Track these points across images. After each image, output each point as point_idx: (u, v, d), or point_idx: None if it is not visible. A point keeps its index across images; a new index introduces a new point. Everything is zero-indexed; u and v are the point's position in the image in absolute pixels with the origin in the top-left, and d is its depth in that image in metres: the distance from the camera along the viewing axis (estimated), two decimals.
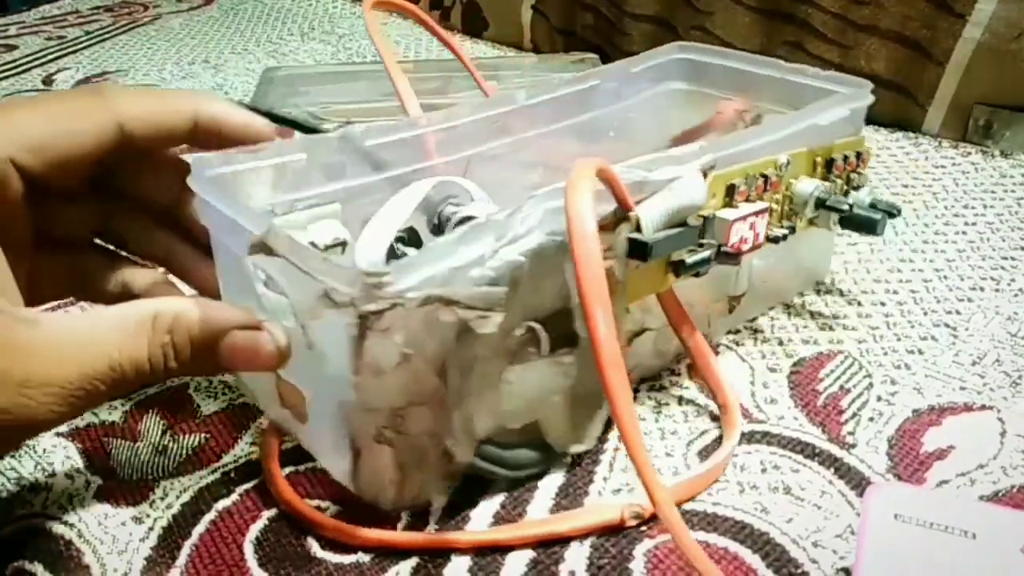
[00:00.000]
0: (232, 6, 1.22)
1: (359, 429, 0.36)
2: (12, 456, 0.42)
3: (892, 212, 0.49)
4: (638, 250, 0.37)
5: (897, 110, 0.80)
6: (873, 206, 0.49)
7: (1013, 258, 0.58)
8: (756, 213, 0.42)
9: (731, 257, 0.41)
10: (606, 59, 0.99)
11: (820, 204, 0.46)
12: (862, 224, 0.47)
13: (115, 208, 0.42)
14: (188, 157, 0.39)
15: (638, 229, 0.38)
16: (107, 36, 1.10)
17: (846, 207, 0.46)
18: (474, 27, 1.15)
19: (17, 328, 0.30)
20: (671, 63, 0.57)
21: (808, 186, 0.46)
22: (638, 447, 0.31)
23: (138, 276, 0.42)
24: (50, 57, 1.02)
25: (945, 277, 0.56)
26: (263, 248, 0.34)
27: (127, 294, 0.41)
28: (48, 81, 0.95)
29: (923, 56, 0.77)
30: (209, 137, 0.40)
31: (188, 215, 0.41)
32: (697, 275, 0.41)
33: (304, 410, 0.38)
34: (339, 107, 0.82)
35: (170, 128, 0.39)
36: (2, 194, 0.35)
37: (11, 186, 0.36)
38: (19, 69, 0.99)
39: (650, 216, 0.38)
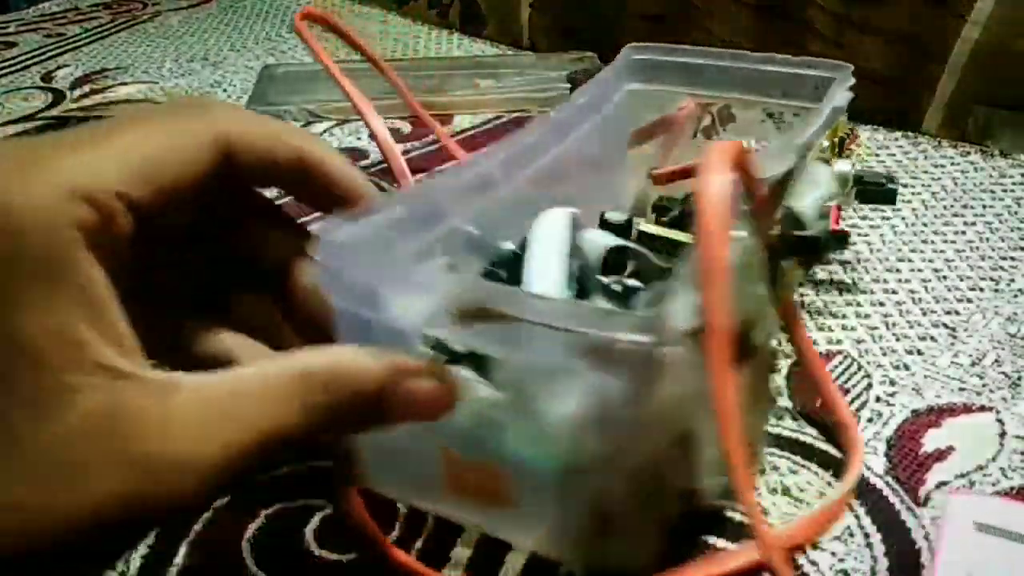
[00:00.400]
0: (231, 3, 1.22)
1: (609, 493, 0.32)
2: None
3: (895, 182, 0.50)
4: (807, 247, 0.35)
5: (896, 109, 0.80)
6: (889, 179, 0.49)
7: (1012, 258, 0.58)
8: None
9: (840, 243, 0.40)
10: (604, 58, 0.99)
11: (858, 181, 0.46)
12: (883, 196, 0.47)
13: (212, 261, 0.34)
14: (315, 227, 0.33)
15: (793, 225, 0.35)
16: (106, 33, 1.10)
17: (883, 180, 0.46)
18: (472, 25, 1.15)
19: (149, 399, 0.25)
20: (626, 67, 0.54)
21: (845, 165, 0.46)
22: (748, 489, 0.29)
23: (243, 346, 0.33)
24: (49, 54, 1.02)
25: (944, 277, 0.56)
26: (472, 314, 0.29)
27: (227, 364, 0.30)
28: (47, 78, 0.95)
29: (922, 55, 0.77)
30: (311, 183, 0.33)
31: (297, 287, 0.34)
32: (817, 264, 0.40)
33: (503, 492, 0.33)
34: (337, 105, 0.82)
35: (275, 159, 0.32)
36: (108, 236, 0.27)
37: (119, 225, 0.27)
38: (19, 66, 0.98)
39: (807, 209, 0.36)
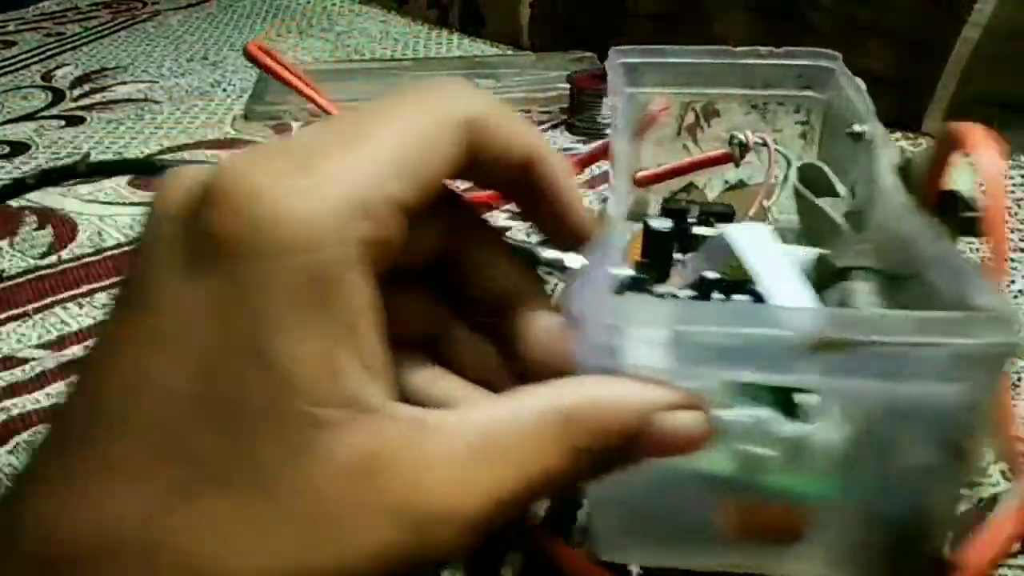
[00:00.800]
0: (230, 3, 1.22)
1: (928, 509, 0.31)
2: (10, 452, 0.41)
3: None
4: (973, 228, 0.34)
5: (897, 110, 0.80)
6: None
7: (1013, 259, 0.58)
8: None
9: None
10: (604, 58, 0.99)
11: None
12: None
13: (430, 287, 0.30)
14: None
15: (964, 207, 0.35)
16: (106, 32, 1.10)
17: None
18: (472, 25, 1.15)
19: (405, 439, 0.23)
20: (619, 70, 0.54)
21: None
22: None
23: (458, 388, 0.30)
24: (49, 53, 1.02)
25: None
26: (832, 346, 0.26)
27: (442, 406, 0.26)
28: (47, 77, 0.95)
29: (923, 56, 0.77)
30: (533, 193, 0.29)
31: (531, 333, 0.29)
32: None
33: (794, 527, 0.31)
34: (337, 103, 0.82)
35: (509, 155, 0.27)
36: (385, 249, 0.24)
37: (395, 236, 0.24)
38: (18, 65, 0.99)
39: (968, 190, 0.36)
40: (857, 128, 0.45)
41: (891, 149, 0.40)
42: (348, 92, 0.79)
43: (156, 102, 0.89)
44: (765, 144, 0.48)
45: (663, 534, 0.34)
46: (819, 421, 0.29)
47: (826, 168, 0.45)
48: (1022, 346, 0.25)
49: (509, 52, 1.08)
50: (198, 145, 0.79)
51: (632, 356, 0.27)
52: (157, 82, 0.94)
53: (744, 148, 0.48)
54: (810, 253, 0.38)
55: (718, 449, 0.28)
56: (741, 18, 0.89)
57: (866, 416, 0.29)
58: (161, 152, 0.78)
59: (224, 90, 0.91)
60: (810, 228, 0.36)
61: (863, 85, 0.48)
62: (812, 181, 0.44)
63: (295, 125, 0.81)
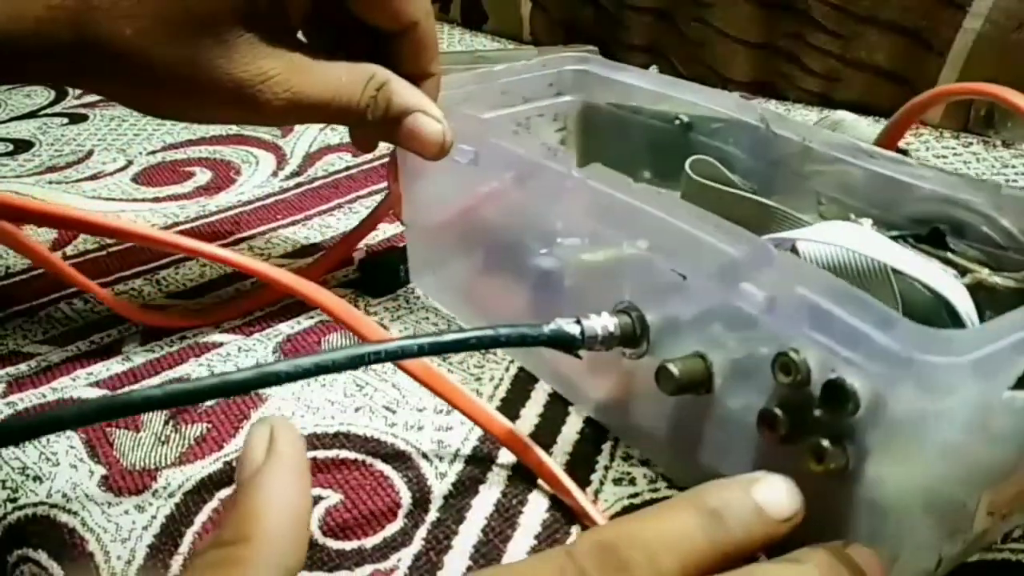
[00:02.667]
0: None
1: None
2: (16, 446, 0.42)
3: None
4: None
5: (898, 101, 0.80)
6: None
7: None
8: None
9: None
10: (605, 52, 0.99)
11: None
12: None
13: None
14: None
15: None
16: None
17: None
18: (473, 19, 1.15)
19: (295, 55, 0.42)
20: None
21: None
22: None
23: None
24: None
25: None
26: None
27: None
28: None
29: (924, 47, 0.77)
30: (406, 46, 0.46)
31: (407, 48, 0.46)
32: None
33: None
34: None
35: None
36: None
37: None
38: None
39: None
40: (680, 120, 0.52)
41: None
42: None
43: None
44: None
45: None
46: None
47: (714, 162, 0.48)
48: None
49: (510, 46, 1.08)
50: (201, 142, 0.80)
51: None
52: None
53: None
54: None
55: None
56: (741, 11, 0.89)
57: None
58: (164, 149, 0.78)
59: None
60: (726, 214, 0.37)
61: (632, 70, 0.52)
62: (709, 176, 0.48)
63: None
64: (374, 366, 0.45)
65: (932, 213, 0.42)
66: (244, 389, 0.32)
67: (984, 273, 0.39)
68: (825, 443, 0.30)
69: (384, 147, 0.52)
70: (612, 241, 0.39)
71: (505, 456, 0.40)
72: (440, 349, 0.34)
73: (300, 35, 0.46)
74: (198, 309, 0.53)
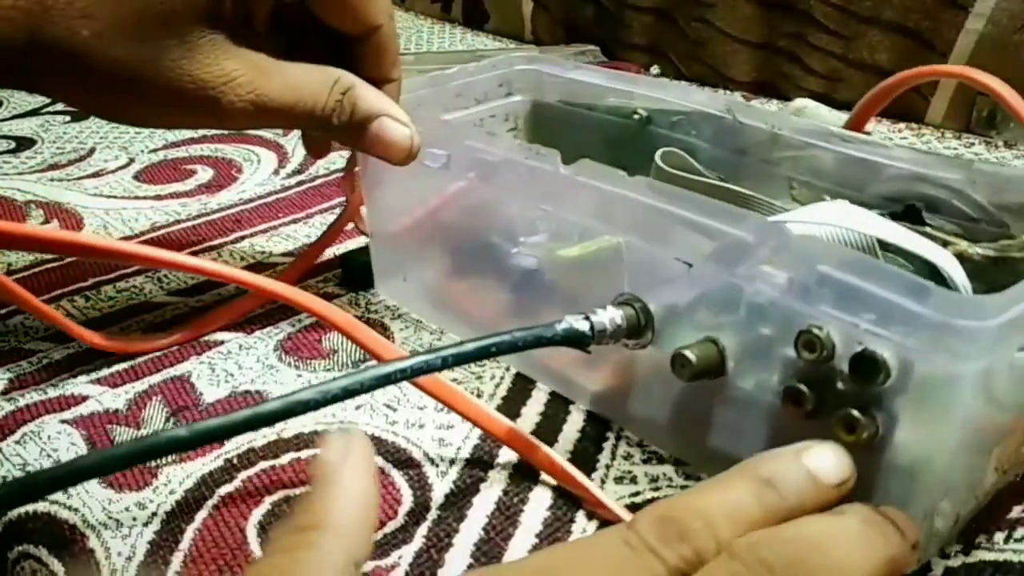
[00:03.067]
0: None
1: None
2: (17, 443, 0.42)
3: None
4: None
5: (900, 101, 0.80)
6: None
7: None
8: None
9: None
10: (607, 51, 0.99)
11: None
12: None
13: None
14: None
15: None
16: None
17: None
18: (475, 19, 1.15)
19: (259, 56, 0.41)
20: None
21: None
22: None
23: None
24: None
25: None
26: None
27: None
28: None
29: (926, 47, 0.77)
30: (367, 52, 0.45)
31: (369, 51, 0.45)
32: None
33: None
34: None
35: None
36: None
37: None
38: None
39: None
40: (639, 114, 0.53)
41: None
42: None
43: None
44: None
45: None
46: None
47: (683, 153, 0.49)
48: None
49: (512, 46, 1.08)
50: (202, 140, 0.80)
51: None
52: None
53: None
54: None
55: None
56: (742, 11, 0.89)
57: None
58: (166, 147, 0.78)
59: None
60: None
61: (583, 67, 0.53)
62: (678, 167, 0.49)
63: None
64: (372, 363, 0.45)
65: (904, 191, 0.43)
66: (272, 421, 0.32)
67: (963, 245, 0.40)
68: (856, 414, 0.31)
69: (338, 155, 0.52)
70: (609, 234, 0.39)
71: (507, 454, 0.40)
72: (463, 360, 0.34)
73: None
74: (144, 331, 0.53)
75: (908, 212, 0.43)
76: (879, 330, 0.30)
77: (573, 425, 0.43)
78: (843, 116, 0.79)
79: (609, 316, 0.37)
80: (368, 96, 0.44)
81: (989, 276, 0.37)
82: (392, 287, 0.54)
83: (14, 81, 0.41)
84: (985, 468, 0.34)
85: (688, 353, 0.35)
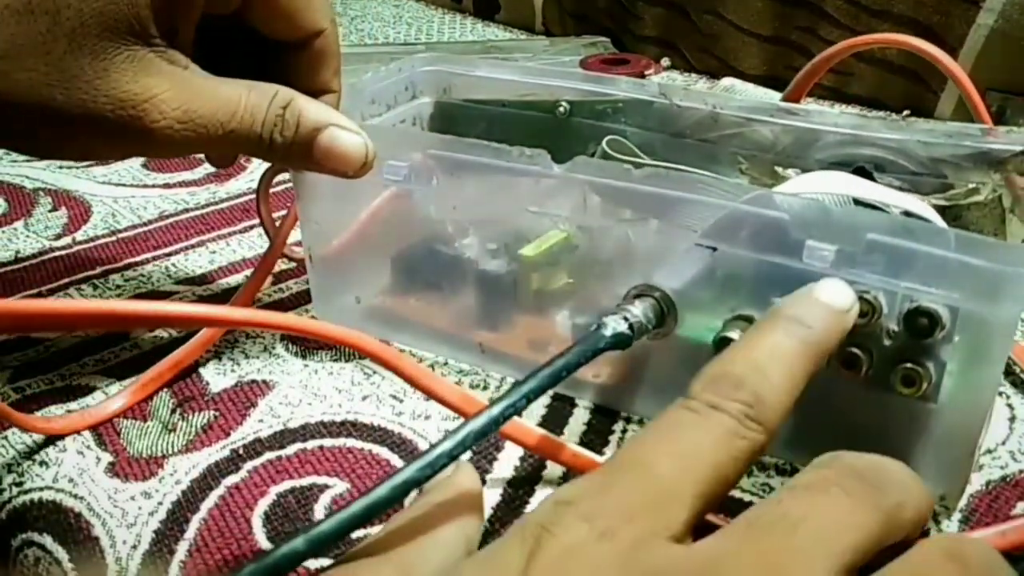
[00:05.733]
0: None
1: None
2: (23, 430, 0.42)
3: None
4: None
5: (909, 96, 0.80)
6: None
7: None
8: None
9: None
10: (617, 43, 0.99)
11: None
12: None
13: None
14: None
15: None
16: None
17: None
18: (486, 9, 1.15)
19: (186, 72, 0.38)
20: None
21: None
22: None
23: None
24: None
25: None
26: None
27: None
28: None
29: (936, 42, 0.76)
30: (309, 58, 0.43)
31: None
32: None
33: None
34: None
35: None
36: None
37: None
38: None
39: None
40: (563, 107, 0.53)
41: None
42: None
43: None
44: None
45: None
46: None
47: (625, 140, 0.51)
48: None
49: (523, 37, 1.08)
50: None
51: None
52: None
53: None
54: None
55: None
56: (754, 4, 0.88)
57: None
58: None
59: None
60: None
61: (489, 63, 0.54)
62: (619, 152, 0.50)
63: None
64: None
65: (848, 155, 0.46)
66: (388, 505, 0.28)
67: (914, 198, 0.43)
68: (914, 367, 0.34)
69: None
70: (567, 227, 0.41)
71: (511, 446, 0.40)
72: (540, 392, 0.33)
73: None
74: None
75: (859, 173, 0.45)
76: (923, 287, 0.33)
77: (578, 420, 0.43)
78: (770, 93, 0.79)
79: (640, 311, 0.37)
80: (311, 107, 0.41)
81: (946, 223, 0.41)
82: (336, 309, 0.50)
83: None
84: None
85: (733, 335, 0.36)
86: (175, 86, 0.37)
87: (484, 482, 0.39)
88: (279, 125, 0.40)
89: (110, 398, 0.44)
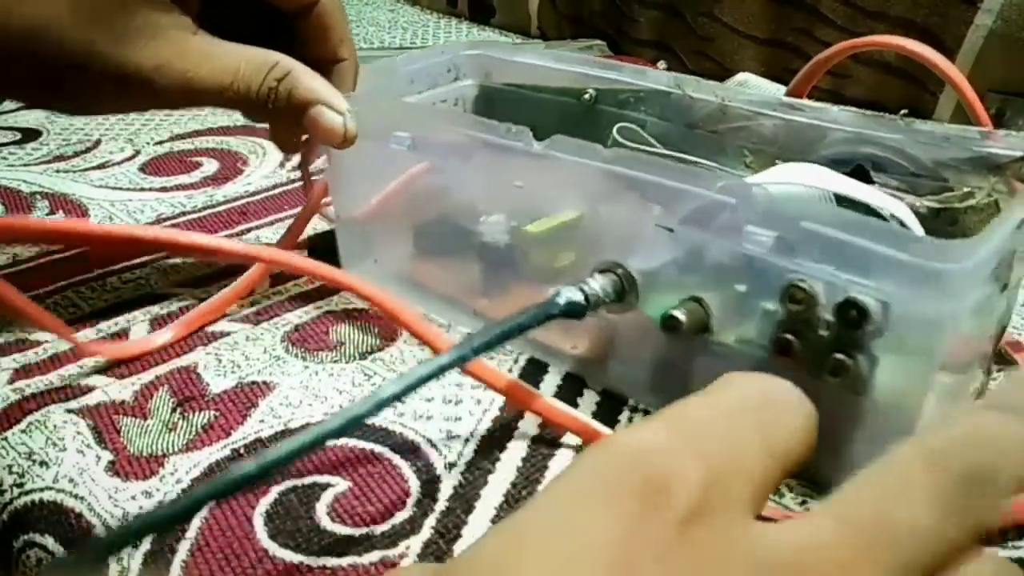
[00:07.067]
0: None
1: None
2: (23, 431, 0.42)
3: None
4: None
5: (908, 98, 0.80)
6: None
7: None
8: None
9: None
10: (613, 46, 0.99)
11: None
12: None
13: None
14: None
15: None
16: None
17: None
18: (481, 13, 1.15)
19: (194, 38, 0.42)
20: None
21: None
22: None
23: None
24: None
25: None
26: None
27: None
28: None
29: (934, 44, 0.77)
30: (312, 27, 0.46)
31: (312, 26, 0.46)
32: None
33: None
34: None
35: None
36: None
37: None
38: None
39: None
40: (589, 94, 0.55)
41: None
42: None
43: None
44: None
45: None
46: None
47: (638, 128, 0.53)
48: None
49: (518, 41, 1.08)
50: (208, 132, 0.79)
51: None
52: None
53: None
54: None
55: None
56: (750, 6, 0.88)
57: None
58: (171, 139, 0.78)
59: None
60: None
61: (529, 50, 0.57)
62: (631, 140, 0.52)
63: None
64: (380, 355, 0.45)
65: (850, 153, 0.46)
66: (336, 436, 0.31)
67: (909, 199, 0.43)
68: (842, 358, 0.34)
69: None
70: (577, 207, 0.42)
71: (515, 446, 0.40)
72: (488, 347, 0.35)
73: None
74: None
75: (857, 171, 0.46)
76: (860, 279, 0.33)
77: (550, 384, 0.44)
78: (782, 88, 0.79)
79: (599, 284, 0.39)
80: (304, 83, 0.44)
81: (933, 226, 0.42)
82: (360, 270, 0.53)
83: None
84: (962, 395, 0.39)
85: (678, 314, 0.37)
86: (181, 52, 0.41)
87: (487, 481, 0.38)
88: (271, 96, 0.43)
89: (157, 332, 0.48)
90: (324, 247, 0.56)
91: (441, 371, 0.33)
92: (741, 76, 0.72)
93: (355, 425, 0.30)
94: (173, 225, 0.62)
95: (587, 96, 0.55)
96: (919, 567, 0.18)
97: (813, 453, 0.22)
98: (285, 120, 0.45)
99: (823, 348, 0.34)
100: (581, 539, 0.17)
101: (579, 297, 0.38)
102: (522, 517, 0.19)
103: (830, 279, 0.34)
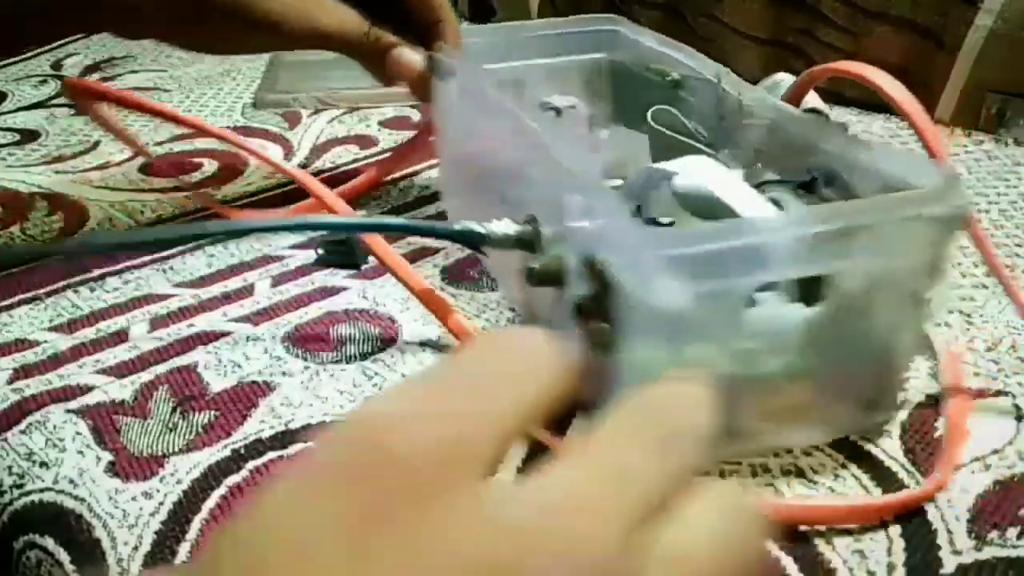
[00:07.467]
0: None
1: None
2: (23, 432, 0.41)
3: None
4: None
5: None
6: None
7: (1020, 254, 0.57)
8: None
9: None
10: None
11: None
12: None
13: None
14: None
15: None
16: None
17: None
18: (482, 13, 1.15)
19: None
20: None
21: None
22: None
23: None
24: (59, 42, 1.02)
25: (959, 264, 0.55)
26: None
27: None
28: (57, 66, 0.95)
29: (935, 44, 0.77)
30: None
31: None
32: None
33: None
34: (347, 92, 0.82)
35: None
36: None
37: None
38: (29, 55, 0.98)
39: None
40: (671, 78, 0.58)
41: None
42: (358, 81, 0.78)
43: (166, 91, 0.88)
44: (574, 107, 0.61)
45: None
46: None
47: (675, 112, 0.56)
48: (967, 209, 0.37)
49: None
50: (208, 133, 0.79)
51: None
52: (166, 71, 0.93)
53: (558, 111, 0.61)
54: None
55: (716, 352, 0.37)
56: (751, 6, 0.88)
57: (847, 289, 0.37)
58: (171, 140, 0.78)
59: (233, 78, 0.91)
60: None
61: (657, 38, 0.61)
62: (668, 124, 0.56)
63: (304, 113, 0.81)
64: (383, 356, 0.45)
65: (819, 165, 0.47)
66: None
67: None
68: (594, 324, 0.37)
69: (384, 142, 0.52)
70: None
71: (512, 448, 0.40)
72: (377, 229, 0.49)
73: None
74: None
75: (809, 183, 0.47)
76: (607, 254, 0.36)
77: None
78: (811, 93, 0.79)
79: (503, 228, 0.43)
80: (388, 35, 0.57)
81: None
82: (453, 205, 0.62)
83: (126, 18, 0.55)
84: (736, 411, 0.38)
85: (533, 263, 0.40)
86: (306, 6, 0.54)
87: None
88: (367, 39, 0.56)
89: None
90: (335, 251, 0.56)
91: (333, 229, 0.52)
92: (778, 76, 0.71)
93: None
94: (174, 225, 0.62)
95: (670, 79, 0.59)
96: (648, 501, 0.21)
97: (574, 390, 0.23)
98: (374, 60, 0.57)
99: (595, 316, 0.37)
100: (315, 522, 0.18)
101: (477, 228, 0.43)
102: (264, 504, 0.19)
103: (590, 257, 0.37)
